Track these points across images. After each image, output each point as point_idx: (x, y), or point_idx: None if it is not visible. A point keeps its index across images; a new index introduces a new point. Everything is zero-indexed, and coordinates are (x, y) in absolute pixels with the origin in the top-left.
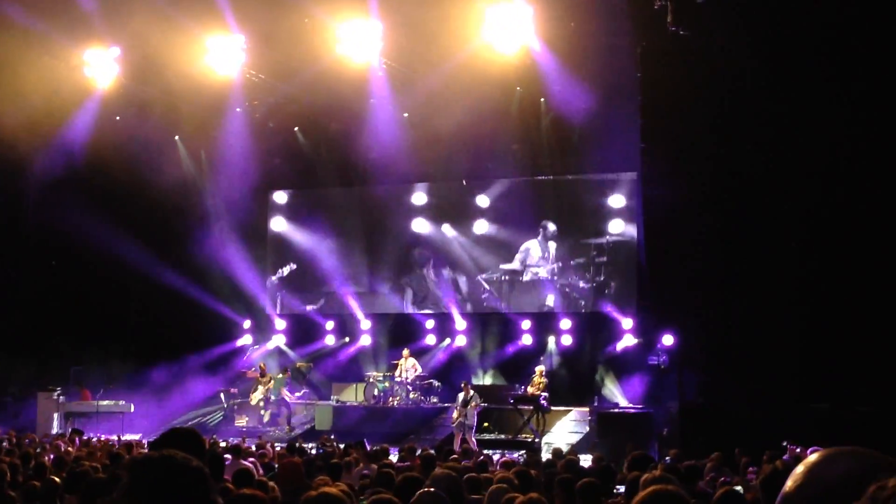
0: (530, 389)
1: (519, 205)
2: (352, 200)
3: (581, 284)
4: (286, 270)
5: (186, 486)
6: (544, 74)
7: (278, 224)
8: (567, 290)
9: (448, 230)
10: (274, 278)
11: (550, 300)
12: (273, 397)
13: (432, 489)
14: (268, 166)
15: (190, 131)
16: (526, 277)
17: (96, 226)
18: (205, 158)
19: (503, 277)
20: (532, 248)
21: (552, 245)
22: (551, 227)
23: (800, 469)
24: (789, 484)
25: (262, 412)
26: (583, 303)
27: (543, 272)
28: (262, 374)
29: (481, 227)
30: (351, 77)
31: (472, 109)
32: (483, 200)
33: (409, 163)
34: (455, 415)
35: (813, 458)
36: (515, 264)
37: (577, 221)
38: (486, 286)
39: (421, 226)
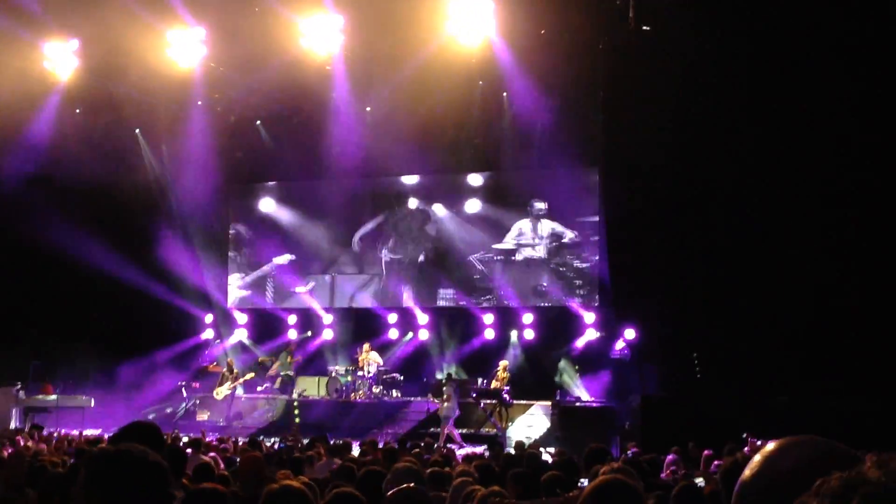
0: (494, 384)
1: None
2: (315, 194)
3: (576, 264)
4: (284, 259)
5: (143, 480)
6: (506, 69)
7: (246, 216)
8: (562, 269)
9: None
10: (276, 261)
11: (545, 281)
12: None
13: (413, 485)
14: (230, 160)
15: (151, 126)
16: (519, 257)
17: (59, 222)
18: (167, 153)
19: (495, 258)
20: (524, 227)
21: (545, 223)
22: (539, 205)
23: (756, 458)
24: (746, 473)
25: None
26: (578, 283)
27: (537, 252)
28: (231, 370)
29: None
30: (313, 71)
31: (435, 104)
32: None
33: (371, 157)
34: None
35: (769, 447)
36: (508, 244)
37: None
38: (479, 265)
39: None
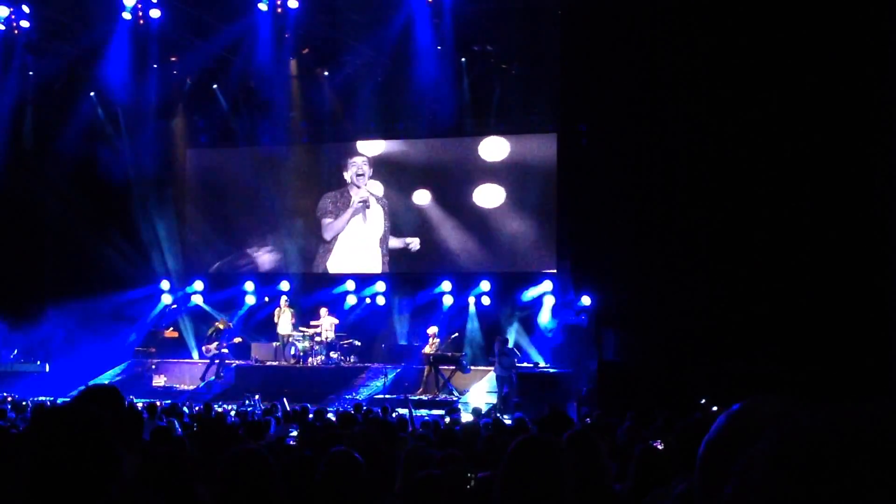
0: (427, 350)
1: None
2: (272, 158)
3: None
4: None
5: (88, 438)
6: (467, 33)
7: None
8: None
9: (377, 188)
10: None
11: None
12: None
13: (345, 448)
14: (187, 124)
15: (106, 87)
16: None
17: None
18: (121, 115)
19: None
20: None
21: None
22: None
23: (722, 418)
24: (712, 433)
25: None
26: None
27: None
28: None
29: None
30: (271, 31)
31: (394, 67)
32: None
33: (334, 121)
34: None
35: (734, 407)
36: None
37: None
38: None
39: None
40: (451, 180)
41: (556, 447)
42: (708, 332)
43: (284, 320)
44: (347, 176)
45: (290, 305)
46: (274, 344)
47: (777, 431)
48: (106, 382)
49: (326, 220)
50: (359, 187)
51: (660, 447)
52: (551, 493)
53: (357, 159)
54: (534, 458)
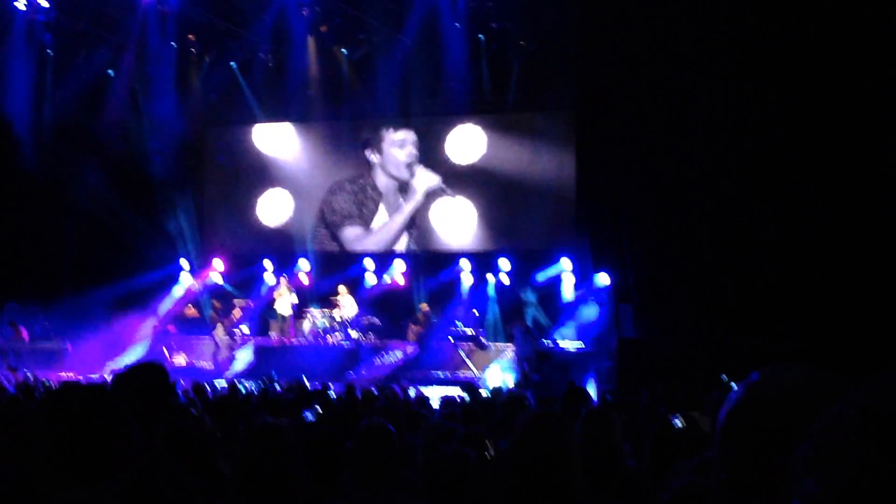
0: (415, 327)
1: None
2: (289, 136)
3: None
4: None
5: (99, 416)
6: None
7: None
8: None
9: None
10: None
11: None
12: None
13: (375, 419)
14: (205, 102)
15: (124, 68)
16: None
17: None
18: (140, 94)
19: None
20: None
21: None
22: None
23: (740, 388)
24: (732, 402)
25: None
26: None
27: None
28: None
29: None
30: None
31: (413, 45)
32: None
33: (351, 99)
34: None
35: (755, 376)
36: None
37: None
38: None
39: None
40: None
41: (564, 423)
42: (728, 309)
43: (283, 300)
44: (375, 157)
45: (290, 283)
46: (279, 323)
47: (863, 391)
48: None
49: (352, 230)
50: (404, 176)
51: (679, 423)
52: (560, 466)
53: (403, 146)
54: (543, 433)
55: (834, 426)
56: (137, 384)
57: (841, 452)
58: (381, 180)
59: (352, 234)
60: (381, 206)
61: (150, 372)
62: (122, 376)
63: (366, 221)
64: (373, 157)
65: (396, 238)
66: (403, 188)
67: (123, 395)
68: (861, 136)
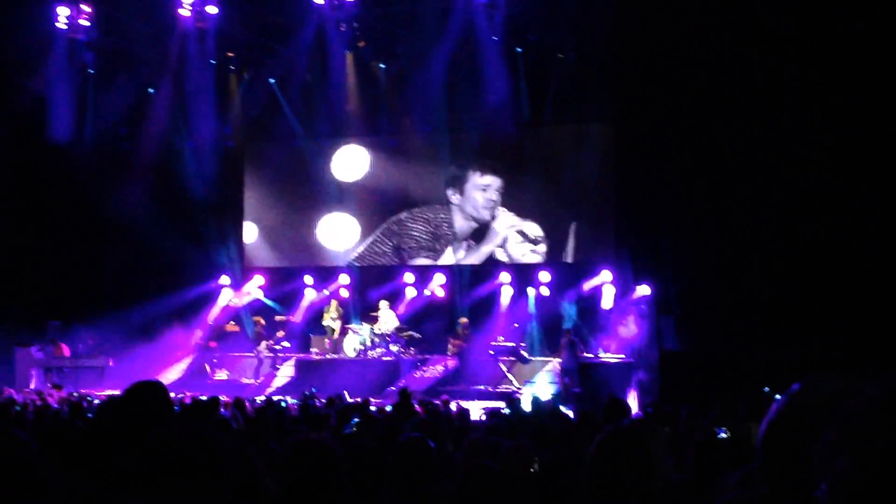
0: (455, 342)
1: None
2: (328, 152)
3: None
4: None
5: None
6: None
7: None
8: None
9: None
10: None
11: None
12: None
13: (415, 433)
14: (245, 118)
15: (164, 86)
16: None
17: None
18: (181, 111)
19: None
20: None
21: None
22: None
23: (782, 398)
24: (772, 413)
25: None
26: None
27: None
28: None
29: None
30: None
31: (447, 58)
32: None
33: (387, 114)
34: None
35: (795, 386)
36: None
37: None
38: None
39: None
40: (507, 171)
41: (643, 438)
42: (770, 320)
43: (332, 316)
44: (456, 198)
45: (339, 302)
46: (325, 339)
47: (883, 383)
48: (167, 378)
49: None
50: (482, 217)
51: (724, 435)
52: (639, 482)
53: (486, 190)
54: (623, 449)
55: (856, 413)
56: (136, 405)
57: (865, 433)
58: (458, 221)
59: (422, 264)
60: (452, 245)
61: (149, 392)
62: (121, 399)
63: (436, 254)
64: (454, 198)
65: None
66: (479, 231)
67: (122, 419)
68: None
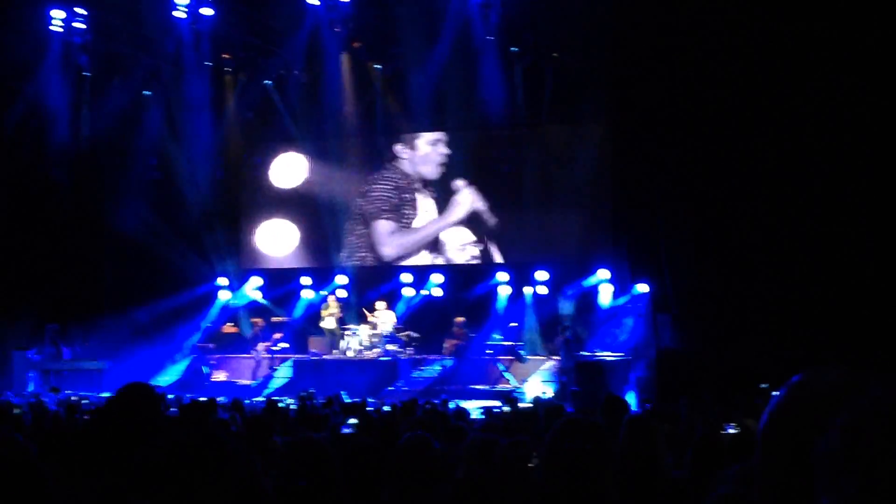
0: (452, 341)
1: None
2: (324, 153)
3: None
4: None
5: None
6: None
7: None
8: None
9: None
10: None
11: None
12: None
13: (417, 433)
14: (240, 120)
15: (159, 88)
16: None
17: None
18: (176, 114)
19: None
20: None
21: None
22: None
23: (783, 389)
24: (773, 405)
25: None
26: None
27: None
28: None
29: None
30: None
31: (444, 57)
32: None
33: (384, 115)
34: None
35: (796, 378)
36: None
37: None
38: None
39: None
40: (503, 171)
41: (598, 429)
42: (767, 318)
43: (331, 317)
44: (406, 154)
45: (338, 300)
46: (323, 339)
47: (888, 388)
48: (164, 382)
49: (386, 224)
50: (432, 175)
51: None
52: (592, 472)
53: (435, 144)
54: (575, 439)
55: (862, 422)
56: (126, 407)
57: (875, 452)
58: (409, 171)
59: (385, 228)
60: (420, 209)
61: (138, 394)
62: (110, 402)
63: (401, 217)
64: (404, 154)
65: (424, 246)
66: (441, 200)
67: (112, 420)
68: None
